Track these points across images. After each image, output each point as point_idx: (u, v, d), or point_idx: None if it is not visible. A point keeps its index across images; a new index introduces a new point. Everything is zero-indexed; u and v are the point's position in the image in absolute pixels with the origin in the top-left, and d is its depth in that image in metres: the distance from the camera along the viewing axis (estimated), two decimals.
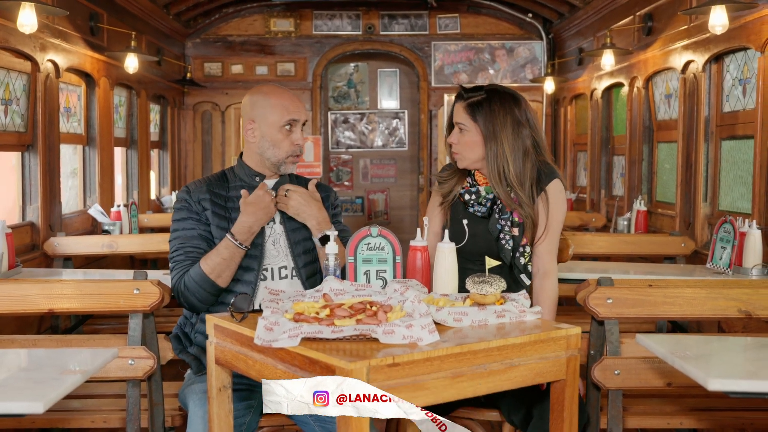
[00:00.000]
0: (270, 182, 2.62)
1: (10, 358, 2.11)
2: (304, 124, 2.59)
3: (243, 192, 2.48)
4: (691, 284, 2.63)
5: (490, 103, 2.53)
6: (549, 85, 7.18)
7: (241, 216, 2.45)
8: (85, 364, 1.99)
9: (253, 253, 2.51)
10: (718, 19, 3.86)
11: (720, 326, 3.99)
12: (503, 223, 2.55)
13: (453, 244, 2.27)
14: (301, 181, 2.70)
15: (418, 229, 2.32)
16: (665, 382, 2.53)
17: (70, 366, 1.92)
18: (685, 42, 4.70)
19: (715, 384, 1.76)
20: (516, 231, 2.55)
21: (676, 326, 3.99)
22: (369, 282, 2.24)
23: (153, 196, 6.72)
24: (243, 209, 2.46)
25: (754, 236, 3.43)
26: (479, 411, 2.51)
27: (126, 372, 2.54)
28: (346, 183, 9.04)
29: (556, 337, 1.93)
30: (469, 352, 1.78)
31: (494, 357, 1.82)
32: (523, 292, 2.19)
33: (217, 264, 2.43)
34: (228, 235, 2.44)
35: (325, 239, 2.41)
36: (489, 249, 2.54)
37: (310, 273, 2.59)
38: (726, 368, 2.01)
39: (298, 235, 2.59)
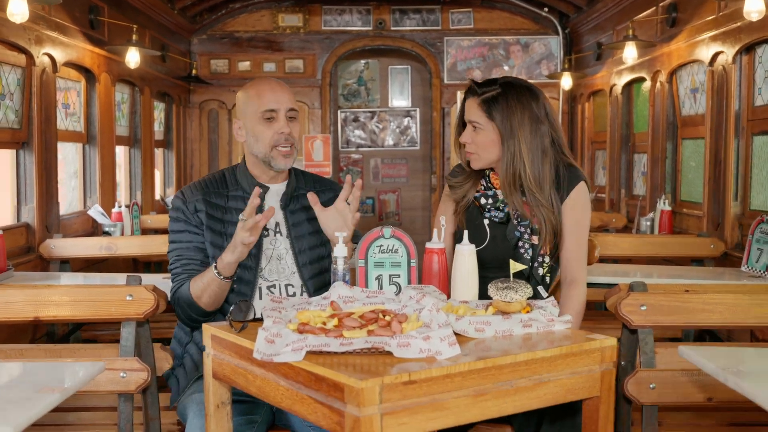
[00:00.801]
0: (279, 187, 2.45)
1: None
2: (292, 110, 2.40)
3: (256, 189, 2.24)
4: (733, 290, 2.44)
5: (507, 99, 2.35)
6: (566, 81, 6.99)
7: (226, 250, 2.26)
8: (69, 379, 1.82)
9: (248, 263, 2.35)
10: (755, 5, 3.63)
11: (753, 334, 3.77)
12: (522, 230, 2.38)
13: (473, 246, 2.10)
14: (310, 177, 2.56)
15: (435, 230, 2.15)
16: (706, 396, 2.33)
17: (49, 383, 1.75)
18: (714, 32, 4.49)
19: None
20: (536, 239, 2.38)
21: (707, 334, 3.78)
22: (381, 288, 2.07)
23: (158, 196, 6.56)
24: (230, 243, 2.25)
25: None
26: (489, 427, 2.33)
27: (117, 386, 2.35)
28: None
29: (590, 349, 1.77)
30: (493, 368, 1.62)
31: (521, 372, 1.66)
32: (551, 298, 2.01)
33: (200, 289, 2.30)
34: (213, 264, 2.28)
35: None
36: (508, 256, 2.37)
37: (319, 285, 2.42)
38: None
39: (303, 243, 2.42)
